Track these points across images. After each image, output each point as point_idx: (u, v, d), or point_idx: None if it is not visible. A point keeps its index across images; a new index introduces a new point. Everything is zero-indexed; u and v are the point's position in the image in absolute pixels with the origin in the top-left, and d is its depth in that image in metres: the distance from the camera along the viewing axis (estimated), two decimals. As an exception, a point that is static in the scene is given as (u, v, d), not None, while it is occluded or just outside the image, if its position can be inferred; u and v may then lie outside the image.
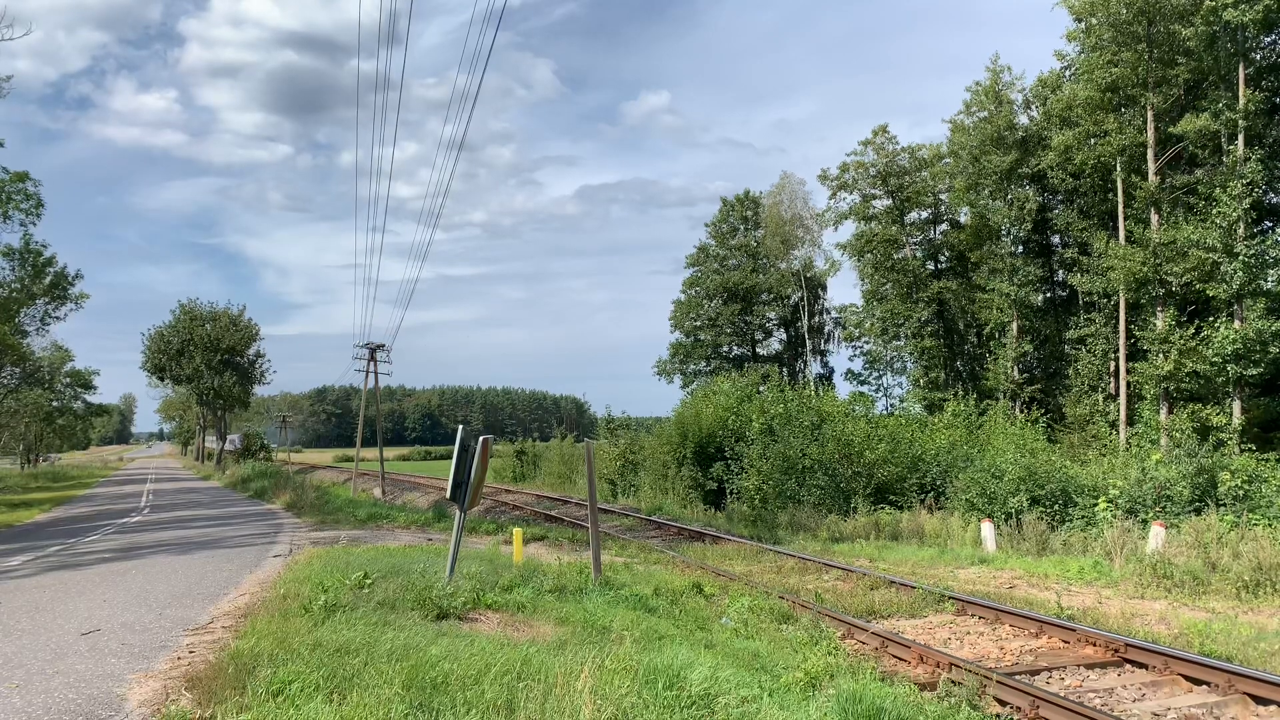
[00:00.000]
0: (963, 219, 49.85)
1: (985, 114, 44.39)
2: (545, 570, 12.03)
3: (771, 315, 65.24)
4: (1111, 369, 38.42)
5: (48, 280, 46.81)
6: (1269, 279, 30.60)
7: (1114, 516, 19.23)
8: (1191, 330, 32.69)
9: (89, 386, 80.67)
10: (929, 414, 41.42)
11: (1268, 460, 23.77)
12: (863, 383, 56.18)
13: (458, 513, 11.18)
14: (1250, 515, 18.64)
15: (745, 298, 63.85)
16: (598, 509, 13.06)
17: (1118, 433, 35.16)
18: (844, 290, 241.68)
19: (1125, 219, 36.42)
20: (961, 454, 27.81)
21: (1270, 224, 35.68)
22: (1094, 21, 35.66)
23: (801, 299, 60.71)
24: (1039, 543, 19.03)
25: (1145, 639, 10.76)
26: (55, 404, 76.83)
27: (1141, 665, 9.86)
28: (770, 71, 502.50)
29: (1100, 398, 38.26)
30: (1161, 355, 33.42)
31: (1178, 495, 19.99)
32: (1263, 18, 30.30)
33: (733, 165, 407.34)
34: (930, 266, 52.96)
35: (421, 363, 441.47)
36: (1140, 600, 13.87)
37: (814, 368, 61.80)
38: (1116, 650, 10.20)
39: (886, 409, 51.09)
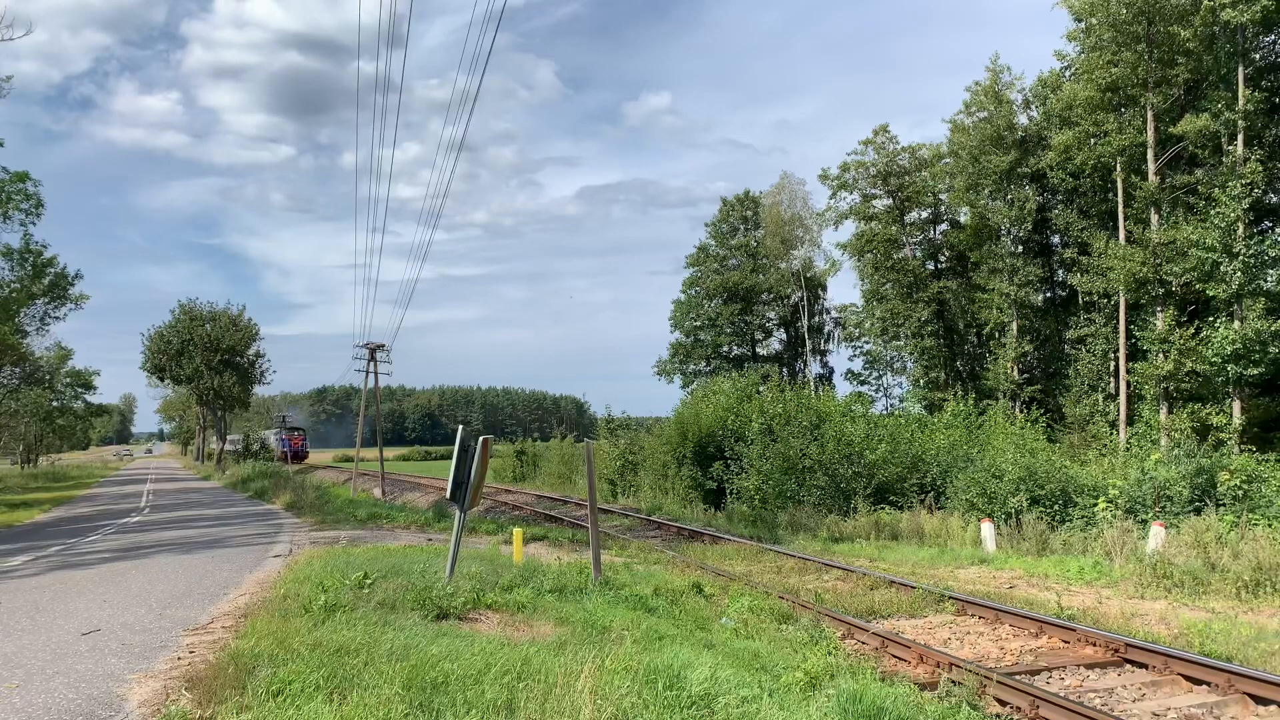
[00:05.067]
0: (962, 219, 49.86)
1: (985, 114, 44.39)
2: (545, 570, 12.03)
3: (771, 315, 65.26)
4: (1111, 369, 38.43)
5: (47, 280, 46.80)
6: (1268, 279, 30.61)
7: (1114, 516, 19.23)
8: (1191, 330, 32.70)
9: (89, 386, 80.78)
10: (929, 414, 41.43)
11: (1267, 460, 23.78)
12: (863, 383, 56.24)
13: (458, 513, 11.19)
14: (1250, 515, 18.65)
15: (745, 298, 63.86)
16: (598, 509, 13.07)
17: (1117, 433, 35.17)
18: (844, 290, 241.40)
19: (1125, 219, 36.43)
20: (961, 454, 27.80)
21: (1270, 224, 35.71)
22: (1094, 21, 35.66)
23: (801, 299, 60.73)
24: (1039, 543, 19.04)
25: (1145, 639, 10.77)
26: (55, 404, 76.85)
27: (1141, 665, 9.86)
28: (773, 71, 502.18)
29: (1100, 398, 38.27)
30: (1161, 355, 33.43)
31: (1177, 495, 19.99)
32: (1261, 18, 30.31)
33: (734, 165, 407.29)
34: (930, 266, 52.97)
35: (422, 363, 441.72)
36: (1140, 600, 13.87)
37: (814, 368, 61.84)
38: (1116, 650, 10.21)
39: (886, 409, 51.15)
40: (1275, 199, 35.52)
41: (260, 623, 8.46)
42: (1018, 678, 9.17)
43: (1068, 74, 40.98)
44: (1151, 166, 34.81)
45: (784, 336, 65.86)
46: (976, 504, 22.72)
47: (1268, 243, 30.85)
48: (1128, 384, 35.68)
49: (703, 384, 55.38)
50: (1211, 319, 32.13)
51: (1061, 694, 8.70)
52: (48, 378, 69.53)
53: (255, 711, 5.77)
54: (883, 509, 25.40)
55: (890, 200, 53.36)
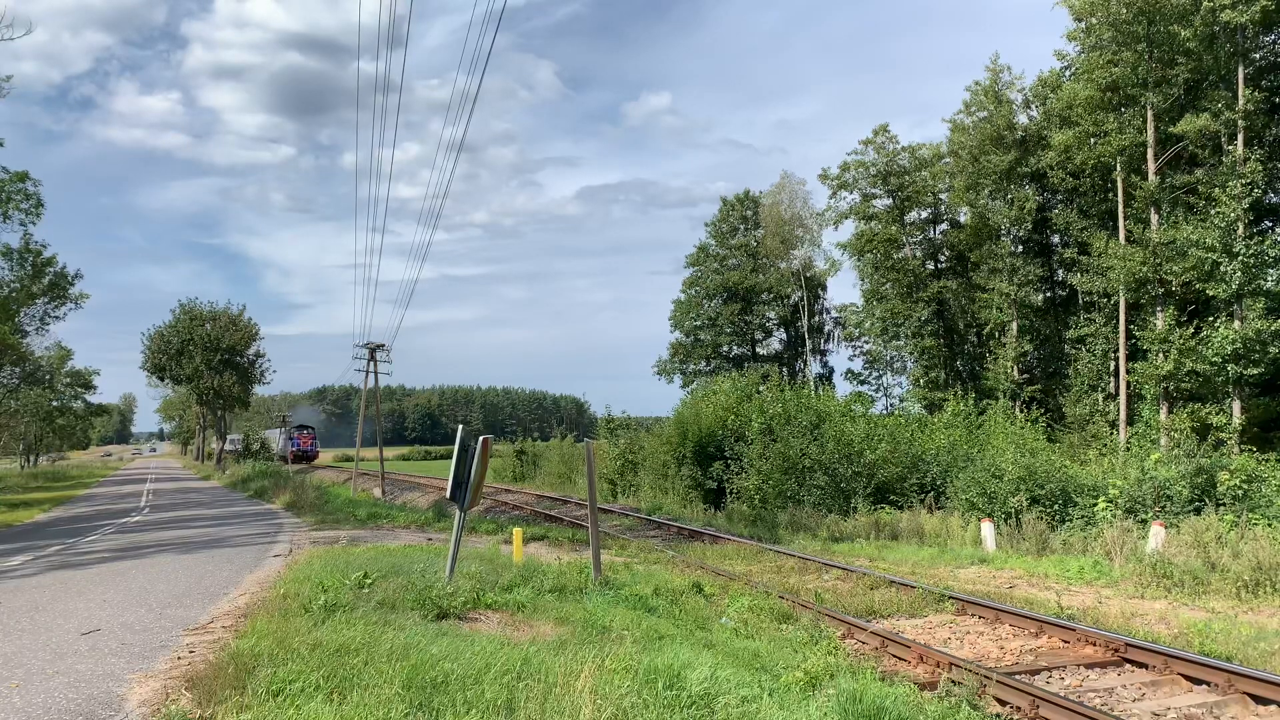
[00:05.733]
0: (962, 218, 49.88)
1: (985, 114, 44.41)
2: (545, 570, 12.03)
3: (771, 315, 65.28)
4: (1111, 369, 38.43)
5: (47, 280, 46.85)
6: (1268, 279, 30.60)
7: (1114, 516, 19.24)
8: (1191, 330, 32.70)
9: (89, 386, 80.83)
10: (929, 413, 41.43)
11: (1267, 460, 23.77)
12: (863, 382, 56.27)
13: (458, 512, 11.18)
14: (1250, 515, 18.66)
15: (745, 297, 63.88)
16: (598, 508, 13.07)
17: (1117, 432, 35.17)
18: (844, 290, 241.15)
19: (1125, 219, 36.43)
20: (961, 454, 27.80)
21: (1270, 224, 35.69)
22: (1094, 21, 35.67)
23: (801, 299, 60.73)
24: (1039, 542, 19.04)
25: (1145, 639, 10.77)
26: (55, 403, 76.90)
27: (1141, 665, 9.86)
28: (774, 71, 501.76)
29: (1100, 397, 38.28)
30: (1161, 355, 33.42)
31: (1177, 495, 20.00)
32: (1261, 18, 30.30)
33: (734, 165, 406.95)
34: (930, 266, 52.98)
35: (422, 363, 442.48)
36: (1140, 600, 13.88)
37: (814, 367, 61.83)
38: (1116, 650, 10.21)
39: (886, 409, 51.17)
40: (1275, 199, 35.53)
41: (260, 622, 8.45)
42: (1018, 677, 9.17)
43: (1068, 74, 40.98)
44: (1151, 166, 34.81)
45: (784, 336, 65.91)
46: (976, 504, 22.72)
47: (1267, 243, 30.85)
48: (1128, 384, 35.68)
49: (703, 384, 55.45)
50: (1211, 319, 32.13)
51: (1061, 694, 8.70)
52: (48, 377, 69.58)
53: (255, 711, 5.77)
54: (883, 509, 25.41)
55: (890, 200, 53.37)
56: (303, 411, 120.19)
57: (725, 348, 65.20)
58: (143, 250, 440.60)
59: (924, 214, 53.63)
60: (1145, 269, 33.86)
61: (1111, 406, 37.32)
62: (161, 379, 77.87)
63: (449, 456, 11.21)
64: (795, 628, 11.02)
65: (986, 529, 20.10)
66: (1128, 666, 9.97)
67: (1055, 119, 39.55)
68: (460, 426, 11.02)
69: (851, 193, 54.58)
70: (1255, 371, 30.36)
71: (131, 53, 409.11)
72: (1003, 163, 42.32)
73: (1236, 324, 30.84)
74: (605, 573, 12.67)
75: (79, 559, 16.67)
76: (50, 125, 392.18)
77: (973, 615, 12.59)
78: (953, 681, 8.78)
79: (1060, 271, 44.69)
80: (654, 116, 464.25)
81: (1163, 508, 19.76)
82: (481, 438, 10.73)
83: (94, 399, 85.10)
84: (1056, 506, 21.62)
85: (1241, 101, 31.45)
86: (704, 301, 65.27)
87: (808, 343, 61.40)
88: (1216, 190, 31.21)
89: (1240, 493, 19.72)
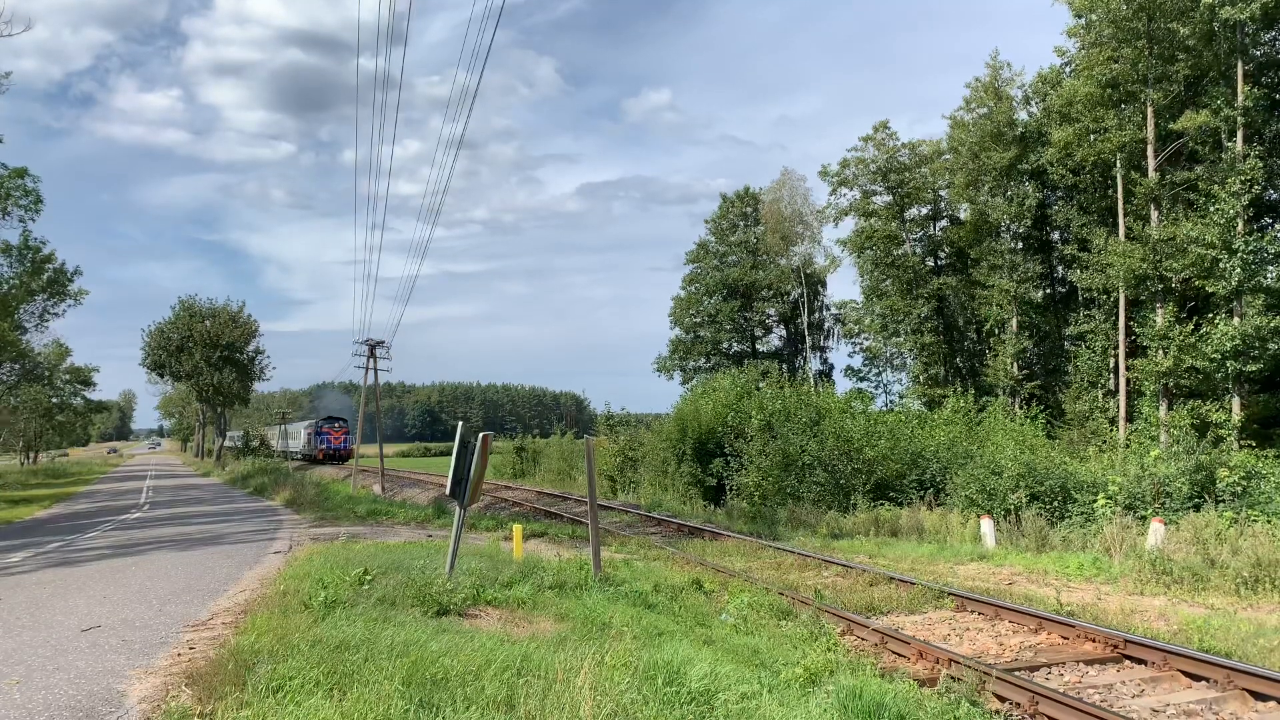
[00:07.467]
0: (962, 215, 49.85)
1: (985, 110, 44.37)
2: (545, 566, 12.03)
3: (771, 311, 65.23)
4: (1111, 365, 38.43)
5: (46, 277, 46.76)
6: (1268, 275, 30.60)
7: (1113, 513, 19.24)
8: (1191, 326, 32.70)
9: (88, 383, 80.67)
10: (928, 410, 41.42)
11: (1267, 456, 23.77)
12: (862, 379, 56.23)
13: (457, 509, 11.18)
14: (1249, 511, 18.65)
15: (745, 294, 63.83)
16: (597, 505, 13.07)
17: (1117, 429, 35.17)
18: (844, 286, 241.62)
19: (1125, 215, 36.41)
20: (961, 450, 27.78)
21: (1269, 220, 35.68)
22: (1094, 18, 35.63)
23: (801, 295, 60.70)
24: (1038, 539, 19.05)
25: (1144, 635, 10.78)
26: (55, 400, 76.80)
27: (1141, 661, 9.87)
28: (774, 68, 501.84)
29: (1100, 394, 38.28)
30: (1161, 351, 33.42)
31: (1177, 491, 20.00)
32: (1260, 14, 30.26)
33: (734, 162, 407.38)
34: (930, 263, 52.95)
35: (423, 359, 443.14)
36: (1139, 596, 13.88)
37: (814, 364, 61.84)
38: (1116, 646, 10.22)
39: (886, 405, 51.15)
40: (1274, 195, 35.51)
41: (260, 619, 8.46)
42: (1017, 674, 9.17)
43: (1068, 70, 40.94)
44: (1151, 163, 34.78)
45: (784, 333, 65.88)
46: (976, 500, 22.72)
47: (1267, 239, 30.84)
48: (1127, 380, 35.68)
49: (702, 380, 55.37)
50: (1211, 315, 32.13)
51: (1061, 690, 8.71)
52: (47, 374, 69.50)
53: (255, 708, 5.77)
54: (882, 505, 25.40)
55: (890, 196, 53.32)
56: (333, 400, 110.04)
57: (725, 344, 65.16)
58: (143, 246, 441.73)
59: (924, 210, 53.59)
60: (1145, 265, 33.85)
61: (1111, 403, 37.33)
62: (161, 375, 77.80)
63: (449, 453, 11.21)
64: (795, 624, 11.03)
65: (986, 526, 20.10)
66: (1127, 663, 9.98)
67: (1055, 115, 39.50)
68: (460, 423, 11.01)
69: (851, 189, 54.59)
70: (1255, 368, 30.36)
71: (132, 49, 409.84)
72: (1003, 159, 42.30)
73: (1236, 320, 30.84)
74: (605, 569, 12.67)
75: (79, 555, 16.68)
76: (50, 122, 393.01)
77: (972, 612, 12.60)
78: (952, 678, 8.80)
79: (1060, 268, 44.70)
80: (654, 113, 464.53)
81: (1162, 504, 19.77)
82: (481, 434, 10.72)
83: (93, 396, 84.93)
84: (1056, 503, 21.62)
85: (1241, 98, 31.42)
86: (704, 298, 65.23)
87: (807, 339, 61.39)
88: (1216, 187, 31.20)
89: (1240, 489, 19.72)
